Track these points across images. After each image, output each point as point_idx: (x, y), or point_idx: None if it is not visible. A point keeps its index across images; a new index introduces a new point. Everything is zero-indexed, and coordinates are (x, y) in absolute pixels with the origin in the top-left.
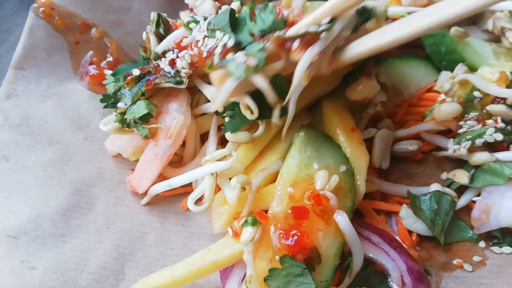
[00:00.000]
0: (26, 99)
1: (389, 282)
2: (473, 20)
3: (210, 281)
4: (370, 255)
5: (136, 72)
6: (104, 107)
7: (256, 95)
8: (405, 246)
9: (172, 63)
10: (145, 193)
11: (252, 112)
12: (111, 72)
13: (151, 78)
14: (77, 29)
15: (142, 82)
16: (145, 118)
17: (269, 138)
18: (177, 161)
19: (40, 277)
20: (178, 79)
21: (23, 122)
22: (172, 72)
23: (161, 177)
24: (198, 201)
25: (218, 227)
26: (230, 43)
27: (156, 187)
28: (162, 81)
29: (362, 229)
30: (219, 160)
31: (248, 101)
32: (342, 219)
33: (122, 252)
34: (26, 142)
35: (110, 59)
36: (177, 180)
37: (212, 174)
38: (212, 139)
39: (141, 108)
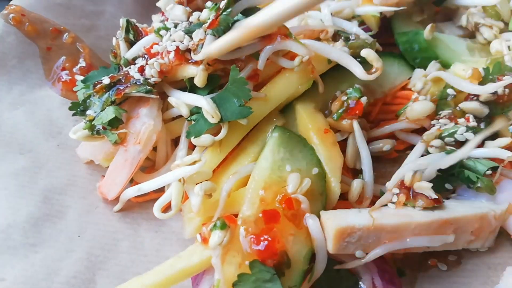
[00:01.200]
0: None
1: (360, 285)
2: (448, 16)
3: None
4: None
5: (106, 80)
6: (73, 114)
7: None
8: None
9: (142, 70)
10: (117, 200)
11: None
12: (82, 78)
13: (121, 87)
14: (49, 34)
15: (112, 90)
16: (114, 124)
17: (236, 140)
18: (150, 166)
19: None
20: (148, 87)
21: None
22: (141, 79)
23: (134, 182)
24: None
25: (190, 232)
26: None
27: (128, 192)
28: (133, 91)
29: None
30: (189, 165)
31: (206, 104)
32: (313, 223)
33: (94, 261)
34: None
35: (82, 64)
36: (148, 185)
37: (180, 180)
38: (183, 143)
39: (109, 113)
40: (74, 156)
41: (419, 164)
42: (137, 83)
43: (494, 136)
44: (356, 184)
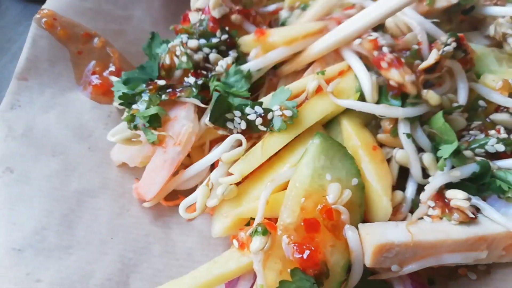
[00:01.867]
0: (29, 110)
1: None
2: (474, 25)
3: None
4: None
5: (161, 82)
6: (120, 104)
7: None
8: None
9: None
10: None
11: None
12: (117, 79)
13: (177, 90)
14: (80, 39)
15: (165, 92)
16: (153, 121)
17: (279, 146)
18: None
19: None
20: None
21: (27, 132)
22: (193, 83)
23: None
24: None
25: (218, 231)
26: None
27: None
28: (185, 95)
29: None
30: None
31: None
32: (352, 235)
33: (127, 263)
34: (30, 153)
35: (112, 68)
36: (193, 169)
37: (207, 184)
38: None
39: (152, 111)
40: (105, 158)
41: (452, 176)
42: (191, 86)
43: None
44: (397, 196)
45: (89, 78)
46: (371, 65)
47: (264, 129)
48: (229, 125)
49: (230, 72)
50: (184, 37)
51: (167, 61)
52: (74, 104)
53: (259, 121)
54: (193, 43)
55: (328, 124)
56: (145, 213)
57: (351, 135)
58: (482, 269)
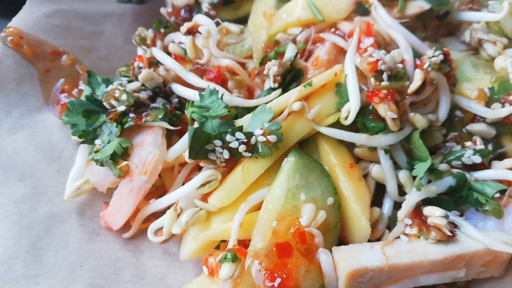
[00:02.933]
0: None
1: None
2: (451, 30)
3: None
4: None
5: (121, 108)
6: (82, 142)
7: None
8: None
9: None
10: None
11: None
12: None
13: (143, 114)
14: (47, 57)
15: (129, 117)
16: (115, 158)
17: (259, 172)
18: (152, 192)
19: None
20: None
21: None
22: (161, 105)
23: (137, 210)
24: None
25: (186, 255)
26: None
27: (141, 215)
28: (152, 119)
29: None
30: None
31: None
32: (325, 259)
33: None
34: None
35: (82, 86)
36: (160, 203)
37: (175, 209)
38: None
39: (111, 147)
40: None
41: (428, 192)
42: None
43: (500, 156)
44: (374, 214)
45: (58, 97)
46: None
47: (249, 155)
48: (211, 156)
49: (205, 95)
50: (124, 80)
51: (107, 105)
52: (42, 124)
53: (242, 148)
54: (134, 85)
55: (304, 141)
56: (116, 236)
57: (328, 153)
58: (460, 285)
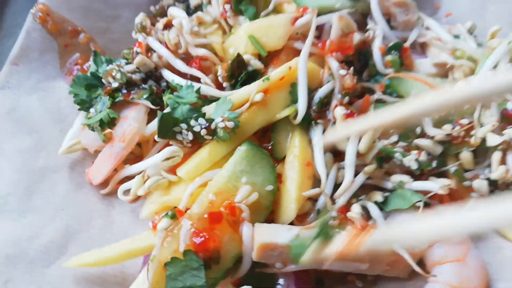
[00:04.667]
0: (16, 91)
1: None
2: (426, 53)
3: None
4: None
5: (115, 84)
6: (79, 109)
7: None
8: None
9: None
10: (102, 184)
11: None
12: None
13: (133, 91)
14: (68, 34)
15: (120, 93)
16: (103, 125)
17: (224, 152)
18: (132, 159)
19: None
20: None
21: (10, 111)
22: (147, 86)
23: (116, 172)
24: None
25: (144, 214)
26: None
27: (116, 177)
28: (138, 97)
29: None
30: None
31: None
32: (247, 231)
33: (70, 231)
34: (9, 130)
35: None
36: (130, 170)
37: (143, 176)
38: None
39: (100, 116)
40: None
41: (353, 189)
42: (144, 89)
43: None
44: (306, 206)
45: (72, 68)
46: None
47: (210, 138)
48: (179, 137)
49: (184, 88)
50: (122, 61)
51: (105, 82)
52: (55, 90)
53: (204, 132)
54: (130, 67)
55: (280, 126)
56: (96, 191)
57: (295, 145)
58: (370, 279)
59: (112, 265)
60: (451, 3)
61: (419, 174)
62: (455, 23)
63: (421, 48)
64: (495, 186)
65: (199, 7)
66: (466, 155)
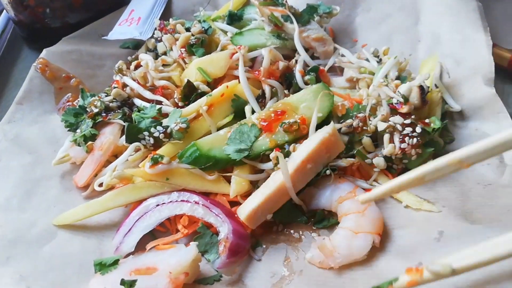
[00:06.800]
0: (20, 123)
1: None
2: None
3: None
4: (210, 220)
5: (96, 109)
6: (68, 130)
7: None
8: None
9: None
10: (86, 188)
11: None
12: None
13: (110, 114)
14: (62, 79)
15: (100, 116)
16: (86, 140)
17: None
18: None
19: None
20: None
21: (16, 138)
22: (121, 111)
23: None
24: None
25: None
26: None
27: (97, 180)
28: (113, 118)
29: (210, 205)
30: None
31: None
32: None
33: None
34: (15, 151)
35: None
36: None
37: (113, 170)
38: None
39: (84, 133)
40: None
41: None
42: (118, 113)
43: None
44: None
45: (65, 105)
46: None
47: (167, 140)
48: (143, 142)
49: (148, 108)
50: (103, 94)
51: (89, 110)
52: (51, 121)
53: (162, 136)
54: (108, 98)
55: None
56: (80, 193)
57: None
58: (296, 237)
59: (91, 243)
60: (365, 36)
61: None
62: (369, 50)
63: (340, 70)
64: (392, 162)
65: (164, 53)
66: (366, 140)
